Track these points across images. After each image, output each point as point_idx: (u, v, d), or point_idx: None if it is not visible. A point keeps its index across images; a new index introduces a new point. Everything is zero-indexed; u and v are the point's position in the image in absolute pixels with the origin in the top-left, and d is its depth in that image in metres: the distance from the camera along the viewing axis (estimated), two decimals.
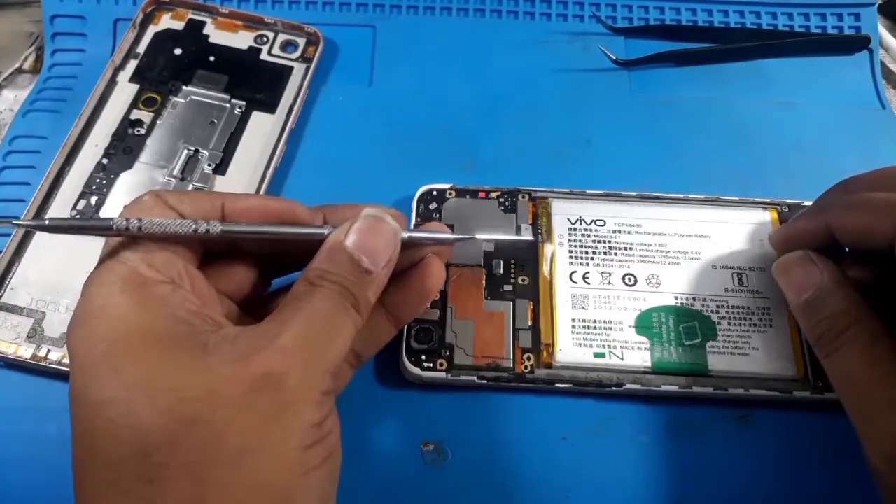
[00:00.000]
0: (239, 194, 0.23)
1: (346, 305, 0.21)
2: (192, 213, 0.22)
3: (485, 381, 0.28)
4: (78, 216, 0.31)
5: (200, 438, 0.18)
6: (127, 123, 0.34)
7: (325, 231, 0.23)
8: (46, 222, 0.20)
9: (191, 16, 0.37)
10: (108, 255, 0.21)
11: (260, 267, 0.25)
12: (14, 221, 0.21)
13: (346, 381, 0.25)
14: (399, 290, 0.25)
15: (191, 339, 0.19)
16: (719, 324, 0.29)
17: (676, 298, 0.29)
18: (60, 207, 0.32)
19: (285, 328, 0.19)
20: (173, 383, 0.18)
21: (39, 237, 0.31)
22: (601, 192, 0.32)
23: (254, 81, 0.36)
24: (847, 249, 0.26)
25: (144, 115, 0.34)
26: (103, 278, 0.20)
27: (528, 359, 0.28)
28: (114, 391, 0.18)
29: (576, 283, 0.30)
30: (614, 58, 0.37)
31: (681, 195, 0.32)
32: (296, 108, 0.35)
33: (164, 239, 0.21)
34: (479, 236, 0.27)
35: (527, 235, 0.30)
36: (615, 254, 0.30)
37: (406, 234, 0.24)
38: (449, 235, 0.25)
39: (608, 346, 0.28)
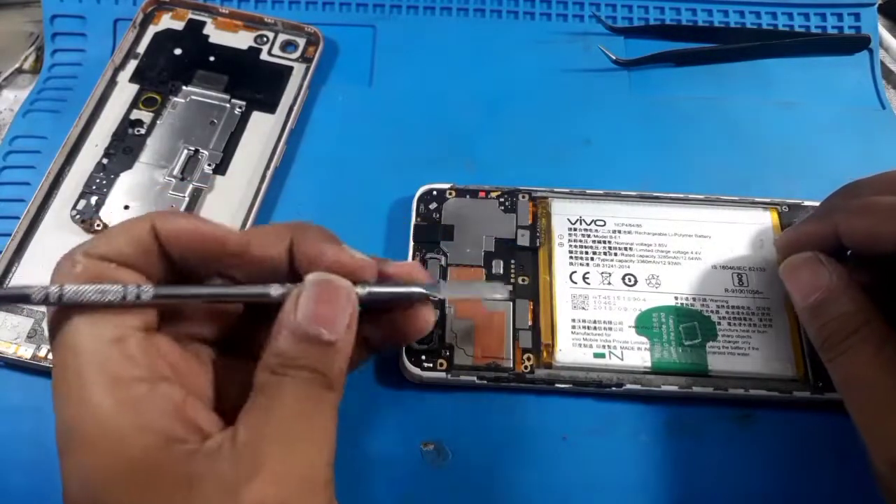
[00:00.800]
0: (168, 213, 0.21)
1: (319, 392, 0.19)
2: (118, 252, 0.20)
3: (485, 381, 0.27)
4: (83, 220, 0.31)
5: None
6: (127, 123, 0.34)
7: (272, 292, 0.21)
8: None
9: (191, 16, 0.37)
10: (69, 335, 0.19)
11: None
12: None
13: None
14: (381, 329, 0.23)
15: (174, 470, 0.18)
16: (719, 324, 0.29)
17: (676, 298, 0.29)
18: (60, 207, 0.32)
19: (267, 446, 0.18)
20: None
21: (40, 236, 0.31)
22: (601, 192, 0.32)
23: (254, 81, 0.36)
24: (849, 253, 0.26)
25: (144, 115, 0.34)
26: (72, 381, 0.18)
27: (528, 359, 0.28)
28: None
29: (576, 283, 0.30)
30: (614, 58, 0.37)
31: (681, 195, 0.32)
32: (296, 108, 0.35)
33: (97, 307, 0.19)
34: (443, 294, 0.24)
35: (501, 293, 0.25)
36: (615, 254, 0.30)
37: (365, 290, 0.21)
38: (415, 290, 0.23)
39: (608, 346, 0.28)
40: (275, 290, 0.21)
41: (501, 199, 0.31)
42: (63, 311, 0.19)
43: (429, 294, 0.23)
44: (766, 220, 0.31)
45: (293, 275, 0.22)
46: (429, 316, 0.23)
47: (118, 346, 0.19)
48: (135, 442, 0.18)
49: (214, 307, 0.22)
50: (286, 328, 0.20)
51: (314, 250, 0.21)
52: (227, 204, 0.32)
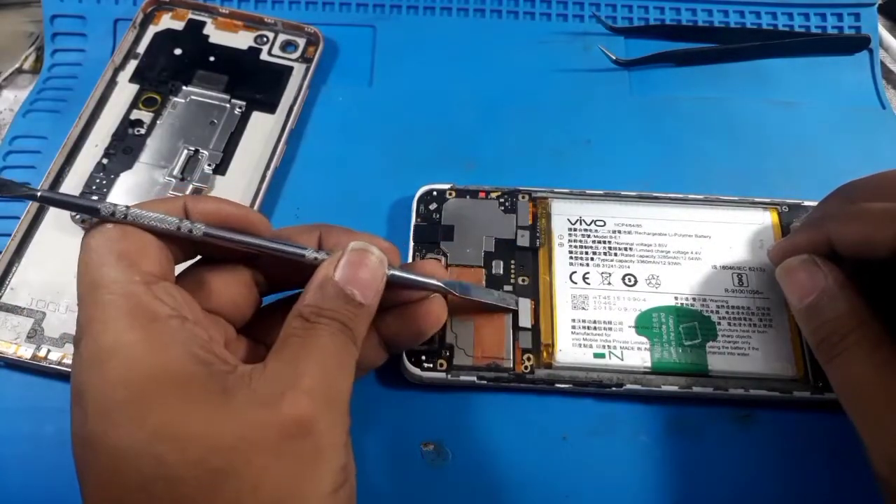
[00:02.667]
0: (200, 196, 0.23)
1: (346, 342, 0.21)
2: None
3: (485, 382, 0.27)
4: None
5: (235, 490, 0.17)
6: (127, 123, 0.34)
7: (307, 254, 0.22)
8: (38, 195, 0.20)
9: (191, 16, 0.37)
10: (105, 278, 0.19)
11: (251, 282, 0.24)
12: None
13: None
14: (396, 322, 0.25)
15: (210, 382, 0.19)
16: (719, 324, 0.29)
17: (676, 299, 0.29)
18: None
19: (302, 369, 0.19)
20: (201, 431, 0.18)
21: (40, 237, 0.31)
22: (601, 192, 0.32)
23: (254, 81, 0.36)
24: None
25: (144, 115, 0.34)
26: (109, 313, 0.19)
27: (529, 359, 0.28)
28: (139, 441, 0.17)
29: (576, 283, 0.30)
30: (614, 58, 0.37)
31: (681, 195, 0.32)
32: (296, 108, 0.35)
33: (148, 230, 0.21)
34: (473, 295, 0.26)
35: (510, 303, 0.28)
36: (615, 254, 0.30)
37: (391, 271, 0.23)
38: (434, 282, 0.25)
39: (608, 346, 0.28)
40: (309, 253, 0.23)
41: (501, 200, 0.31)
42: (99, 253, 0.20)
43: (446, 289, 0.25)
44: (766, 220, 0.31)
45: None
46: (442, 312, 0.25)
47: (147, 287, 0.20)
48: (175, 355, 0.19)
49: (237, 279, 0.24)
50: (324, 284, 0.21)
51: (345, 238, 0.23)
52: None
